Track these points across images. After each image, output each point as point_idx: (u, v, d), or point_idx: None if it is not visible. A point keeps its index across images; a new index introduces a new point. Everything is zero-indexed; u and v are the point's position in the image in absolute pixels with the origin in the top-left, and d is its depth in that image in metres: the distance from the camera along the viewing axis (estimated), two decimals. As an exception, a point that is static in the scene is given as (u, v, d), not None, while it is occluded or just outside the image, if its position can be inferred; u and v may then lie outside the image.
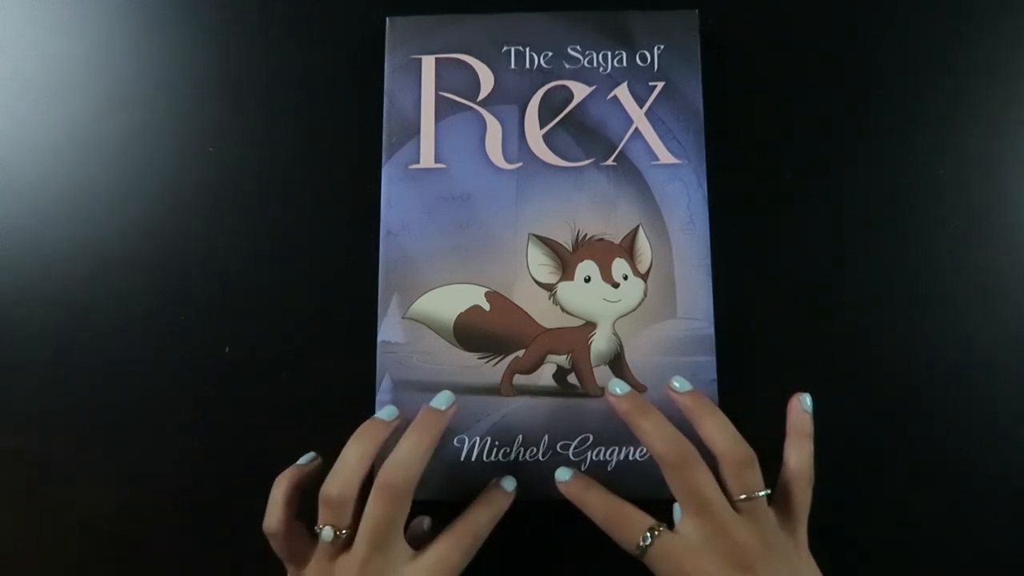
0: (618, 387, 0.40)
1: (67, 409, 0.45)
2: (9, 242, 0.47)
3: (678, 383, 0.40)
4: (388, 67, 0.46)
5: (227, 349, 0.45)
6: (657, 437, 0.37)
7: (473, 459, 0.42)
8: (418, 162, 0.44)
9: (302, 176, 0.47)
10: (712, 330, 0.43)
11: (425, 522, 0.41)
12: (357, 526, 0.37)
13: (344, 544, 0.37)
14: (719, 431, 0.38)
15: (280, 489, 0.39)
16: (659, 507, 0.39)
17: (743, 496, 0.37)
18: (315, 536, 0.38)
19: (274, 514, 0.38)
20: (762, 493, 0.37)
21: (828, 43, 0.48)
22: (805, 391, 0.42)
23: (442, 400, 0.39)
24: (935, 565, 0.44)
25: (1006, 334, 0.45)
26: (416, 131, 0.45)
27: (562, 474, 0.41)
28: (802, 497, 0.39)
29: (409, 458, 0.37)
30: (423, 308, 0.43)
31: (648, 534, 0.37)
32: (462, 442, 0.42)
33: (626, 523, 0.38)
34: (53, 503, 0.44)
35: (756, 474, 0.37)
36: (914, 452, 0.44)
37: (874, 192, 0.46)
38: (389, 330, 0.43)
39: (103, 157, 0.47)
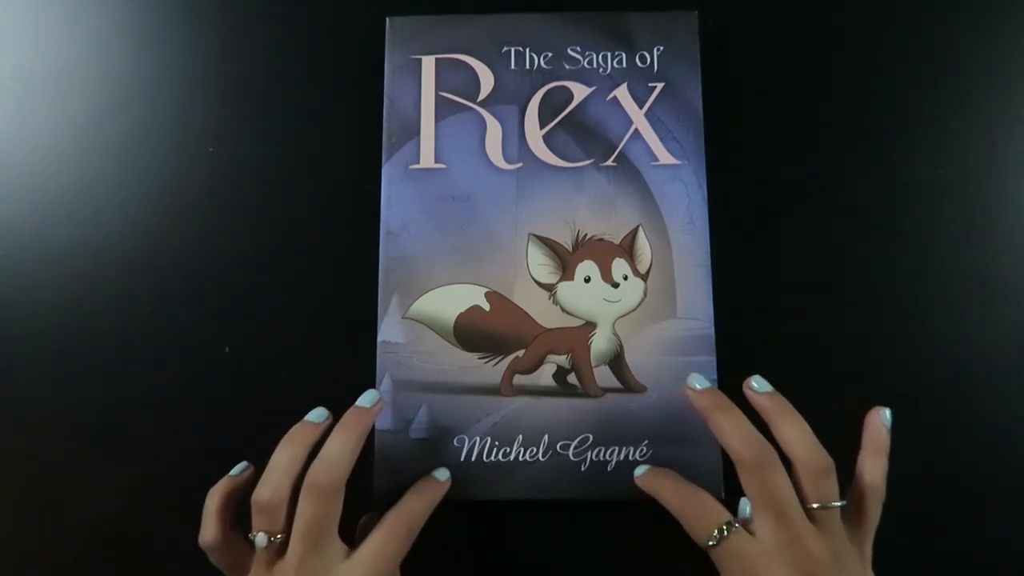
0: (697, 382, 0.40)
1: (67, 409, 0.45)
2: (9, 242, 0.47)
3: (756, 383, 0.39)
4: (388, 67, 0.46)
5: (227, 349, 0.45)
6: (736, 436, 0.37)
7: (473, 459, 0.42)
8: (418, 162, 0.45)
9: (302, 176, 0.47)
10: (712, 330, 0.43)
11: (366, 519, 0.41)
12: (291, 530, 0.37)
13: (279, 549, 0.37)
14: (798, 436, 0.37)
15: (213, 501, 0.39)
16: (659, 508, 0.39)
17: (817, 504, 0.36)
18: (252, 546, 0.37)
19: (209, 527, 0.38)
20: (838, 503, 0.37)
21: (828, 43, 0.48)
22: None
23: (368, 399, 0.39)
24: (934, 564, 0.44)
25: (1006, 334, 0.45)
26: (416, 131, 0.45)
27: (639, 470, 0.41)
28: (873, 512, 0.38)
29: (336, 456, 0.37)
30: (423, 308, 0.43)
31: (724, 528, 0.36)
32: (462, 442, 0.42)
33: (702, 514, 0.37)
34: (53, 503, 0.44)
35: (833, 483, 0.37)
36: (914, 452, 0.44)
37: (874, 192, 0.46)
38: (389, 330, 0.43)
39: (103, 157, 0.47)
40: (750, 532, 0.36)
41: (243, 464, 0.41)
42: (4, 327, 0.46)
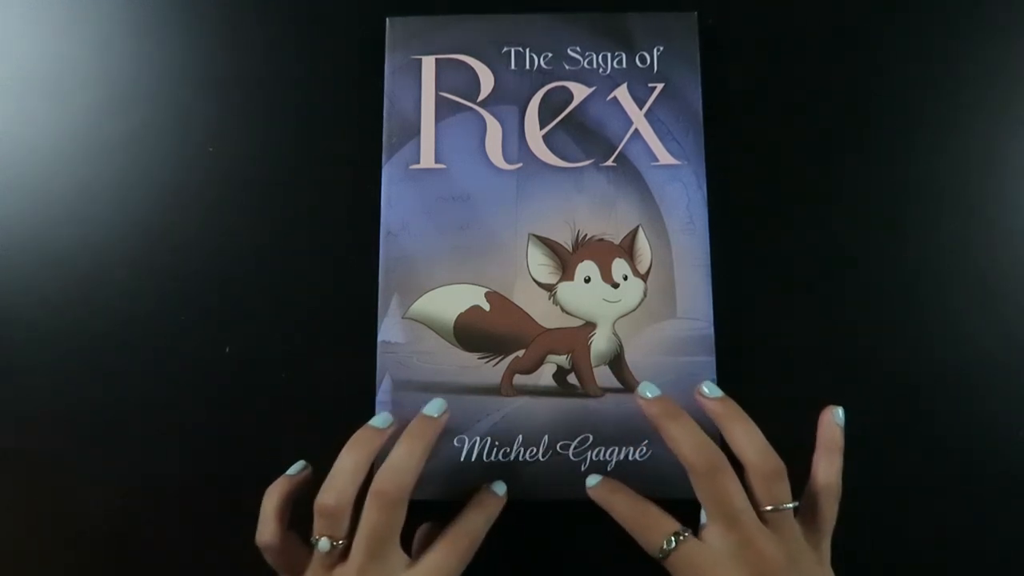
0: (648, 390, 0.39)
1: (67, 409, 0.45)
2: (9, 242, 0.47)
3: (707, 388, 0.39)
4: (388, 67, 0.46)
5: (227, 349, 0.45)
6: (687, 444, 0.37)
7: (473, 459, 0.42)
8: (418, 162, 0.45)
9: (302, 176, 0.47)
10: (712, 330, 0.43)
11: (425, 528, 0.41)
12: (353, 536, 0.37)
13: (341, 554, 0.37)
14: (749, 440, 0.37)
15: (271, 501, 0.38)
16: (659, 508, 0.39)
17: (770, 507, 0.36)
18: (309, 546, 0.37)
19: (267, 527, 0.38)
20: (790, 505, 0.37)
21: (828, 43, 0.48)
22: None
23: (435, 408, 0.39)
24: (934, 564, 0.44)
25: (1006, 334, 0.45)
26: (416, 131, 0.45)
27: (591, 480, 0.41)
28: (828, 511, 0.38)
29: (403, 465, 0.37)
30: (423, 308, 0.43)
31: (672, 538, 0.36)
32: (462, 442, 0.42)
33: (651, 526, 0.37)
34: (53, 503, 0.44)
35: (785, 486, 0.37)
36: (914, 452, 0.44)
37: (874, 192, 0.46)
38: (389, 330, 0.43)
39: (103, 157, 0.47)
40: (701, 539, 0.37)
41: (300, 463, 0.40)
42: (4, 327, 0.46)
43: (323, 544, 0.36)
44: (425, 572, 0.37)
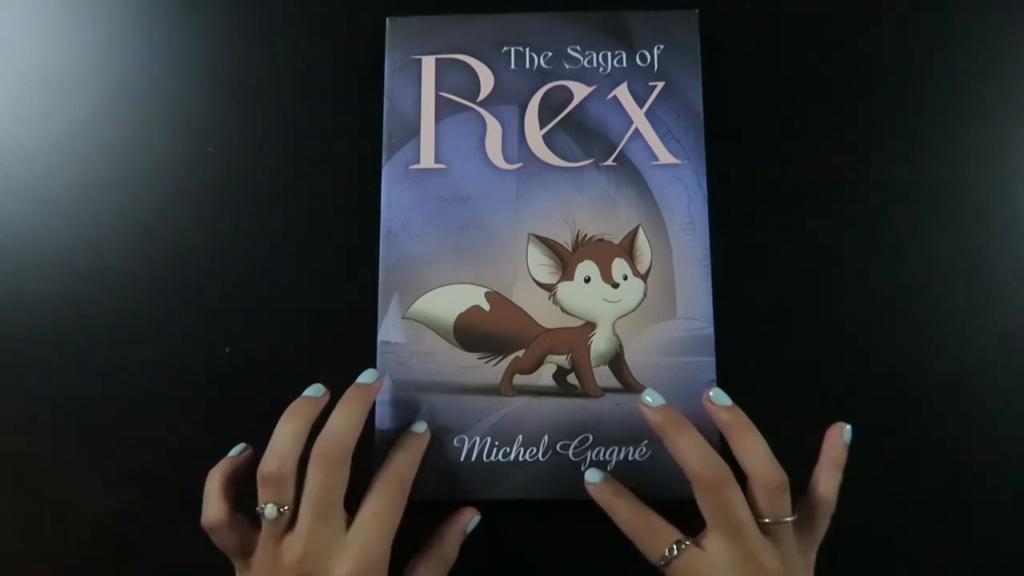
0: (650, 397, 0.39)
1: (67, 409, 0.45)
2: (9, 242, 0.47)
3: (715, 395, 0.39)
4: (388, 67, 0.46)
5: (227, 349, 0.45)
6: (692, 456, 0.37)
7: (473, 459, 0.42)
8: (418, 162, 0.45)
9: (302, 176, 0.47)
10: (712, 330, 0.43)
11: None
12: (298, 503, 0.37)
13: (288, 521, 0.37)
14: (755, 452, 0.37)
15: (214, 481, 0.39)
16: (659, 508, 0.39)
17: (771, 520, 0.37)
18: (256, 524, 0.38)
19: (212, 506, 0.38)
20: (790, 519, 0.37)
21: (828, 43, 0.48)
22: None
23: (368, 376, 0.40)
24: (934, 565, 0.44)
25: (1006, 334, 0.45)
26: (416, 131, 0.45)
27: (592, 476, 0.41)
28: (821, 525, 0.39)
29: (344, 428, 0.38)
30: (423, 308, 0.43)
31: (674, 547, 0.37)
32: (462, 442, 0.42)
33: (652, 533, 0.38)
34: (53, 503, 0.44)
35: (787, 499, 0.37)
36: (913, 452, 0.44)
37: (874, 192, 0.46)
38: (389, 330, 0.43)
39: (104, 157, 0.47)
40: (702, 548, 0.37)
41: (241, 445, 0.41)
42: (4, 327, 0.46)
43: (270, 511, 0.36)
44: (364, 524, 0.37)
